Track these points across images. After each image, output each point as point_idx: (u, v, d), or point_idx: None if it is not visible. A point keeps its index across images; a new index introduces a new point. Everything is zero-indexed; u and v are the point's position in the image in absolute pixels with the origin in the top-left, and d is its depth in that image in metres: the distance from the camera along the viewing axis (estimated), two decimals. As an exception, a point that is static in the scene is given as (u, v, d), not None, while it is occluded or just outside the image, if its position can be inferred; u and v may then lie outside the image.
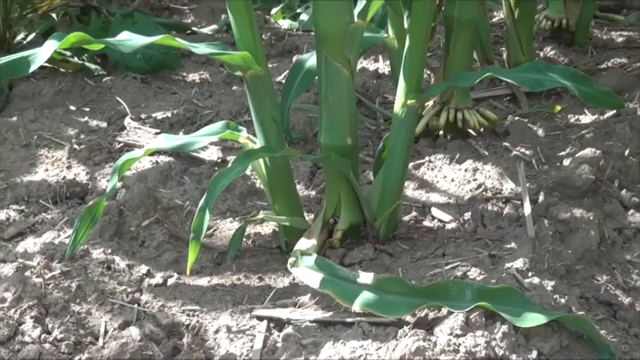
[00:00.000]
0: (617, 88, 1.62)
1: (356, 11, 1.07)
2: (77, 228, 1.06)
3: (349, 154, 1.05)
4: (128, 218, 1.20)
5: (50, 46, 1.01)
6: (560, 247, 1.09)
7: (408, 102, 1.04)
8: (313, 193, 1.32)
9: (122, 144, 1.50)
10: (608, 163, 1.31)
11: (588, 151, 1.26)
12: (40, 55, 1.01)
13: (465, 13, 1.41)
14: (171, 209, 1.24)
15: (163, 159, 1.28)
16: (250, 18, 1.03)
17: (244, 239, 1.16)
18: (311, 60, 1.32)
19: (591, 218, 1.13)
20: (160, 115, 1.65)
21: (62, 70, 1.86)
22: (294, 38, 2.11)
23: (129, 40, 1.04)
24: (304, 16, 2.18)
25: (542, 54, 1.88)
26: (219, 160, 1.39)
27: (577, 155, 1.28)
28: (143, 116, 1.65)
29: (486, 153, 1.40)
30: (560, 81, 1.07)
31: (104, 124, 1.62)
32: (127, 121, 1.61)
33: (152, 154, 1.29)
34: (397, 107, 1.09)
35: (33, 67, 1.00)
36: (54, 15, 2.05)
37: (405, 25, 1.28)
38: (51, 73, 1.85)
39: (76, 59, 1.85)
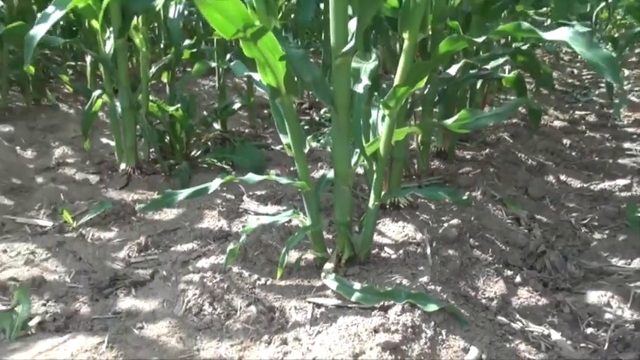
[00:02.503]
0: (469, 184, 1.95)
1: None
2: (227, 255, 1.31)
3: (349, 224, 1.34)
4: (249, 250, 1.44)
5: (217, 180, 1.29)
6: (443, 269, 1.35)
7: (375, 202, 1.34)
8: (330, 237, 1.56)
9: (243, 210, 1.79)
10: (466, 226, 1.57)
11: (455, 221, 1.56)
12: (212, 186, 1.29)
13: (398, 153, 1.70)
14: (268, 246, 1.49)
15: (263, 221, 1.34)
16: (303, 159, 1.30)
17: (301, 261, 1.41)
18: (330, 173, 1.49)
19: (457, 254, 1.40)
20: (259, 192, 1.93)
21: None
22: (319, 152, 2.34)
23: (252, 177, 1.31)
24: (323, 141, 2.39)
25: (433, 165, 2.11)
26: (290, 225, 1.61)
27: (451, 222, 1.55)
28: (251, 193, 1.91)
29: (408, 217, 1.64)
30: (442, 194, 1.36)
31: (233, 197, 1.90)
32: (245, 197, 1.90)
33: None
34: (370, 203, 1.35)
35: (210, 191, 1.28)
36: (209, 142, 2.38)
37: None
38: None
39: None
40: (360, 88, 1.24)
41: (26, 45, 0.95)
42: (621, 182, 2.07)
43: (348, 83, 1.24)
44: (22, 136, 2.43)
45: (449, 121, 1.29)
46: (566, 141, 2.60)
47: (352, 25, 1.21)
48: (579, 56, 3.29)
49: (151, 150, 2.13)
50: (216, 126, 2.59)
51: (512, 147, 2.38)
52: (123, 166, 2.10)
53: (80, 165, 2.21)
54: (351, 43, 1.18)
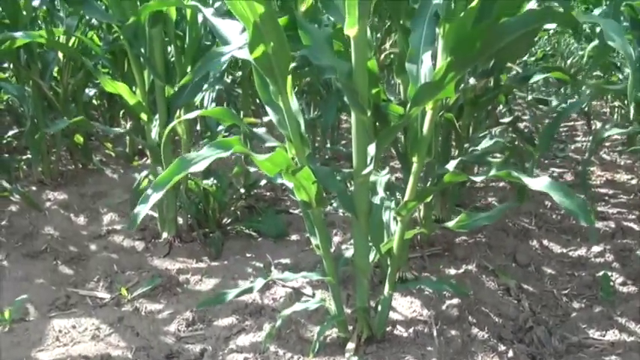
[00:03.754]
0: (464, 255, 2.01)
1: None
2: (265, 337, 1.46)
3: (367, 309, 1.43)
4: (282, 329, 1.47)
5: (260, 281, 1.47)
6: (448, 349, 1.42)
7: (389, 291, 1.44)
8: (349, 311, 1.59)
9: (272, 281, 1.80)
10: (465, 303, 1.62)
11: (456, 300, 1.63)
12: (257, 286, 1.46)
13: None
14: (298, 323, 1.58)
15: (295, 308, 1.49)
16: (330, 258, 1.41)
17: (327, 338, 1.49)
18: (347, 252, 1.62)
19: (459, 333, 1.48)
20: (284, 261, 2.02)
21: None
22: (332, 215, 2.40)
23: (288, 276, 1.50)
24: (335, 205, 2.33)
25: (433, 232, 2.10)
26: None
27: (452, 301, 1.62)
28: (276, 262, 2.01)
29: (415, 292, 1.70)
30: (446, 287, 1.50)
31: (261, 266, 1.99)
32: (273, 268, 1.98)
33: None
34: (385, 291, 1.44)
35: (254, 291, 1.46)
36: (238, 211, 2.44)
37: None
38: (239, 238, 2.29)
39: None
40: (377, 200, 1.37)
41: (132, 220, 1.09)
42: (595, 249, 2.16)
43: (367, 196, 1.36)
44: (74, 203, 2.55)
45: (450, 224, 1.41)
46: (547, 202, 2.70)
47: (371, 149, 1.34)
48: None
49: (188, 220, 2.24)
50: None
51: (501, 212, 2.49)
52: (165, 234, 2.21)
53: (127, 232, 2.32)
54: (370, 167, 1.31)
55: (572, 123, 4.76)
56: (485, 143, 2.14)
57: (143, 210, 1.09)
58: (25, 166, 2.92)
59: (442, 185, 1.25)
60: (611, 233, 2.31)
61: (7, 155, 2.97)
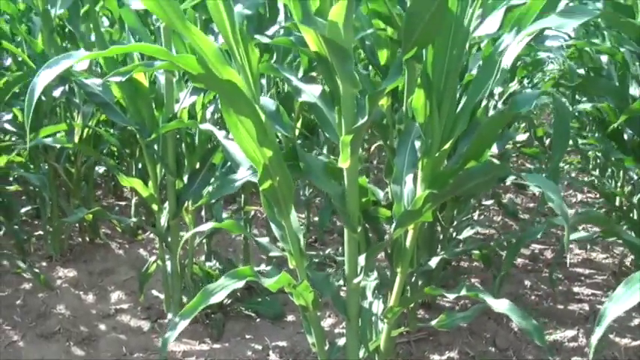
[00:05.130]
0: (448, 342, 2.13)
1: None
2: None
3: None
4: None
5: None
6: None
7: None
8: None
9: None
10: None
11: None
12: None
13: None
14: None
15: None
16: (324, 354, 1.60)
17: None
18: (339, 342, 1.66)
19: None
20: (281, 344, 2.16)
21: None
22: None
23: None
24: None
25: (419, 314, 2.30)
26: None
27: None
28: (274, 344, 2.17)
29: None
30: None
31: (260, 348, 2.13)
32: (270, 352, 2.12)
33: None
34: None
35: None
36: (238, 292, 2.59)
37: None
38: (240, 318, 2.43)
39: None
40: (366, 304, 1.56)
41: (162, 346, 1.27)
42: (569, 333, 2.34)
43: (358, 300, 1.56)
44: (83, 281, 2.73)
45: (433, 322, 1.61)
46: (527, 282, 2.89)
47: (362, 259, 1.55)
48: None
49: (192, 302, 2.41)
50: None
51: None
52: (170, 315, 2.38)
53: (133, 310, 2.48)
54: (361, 276, 1.52)
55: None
56: (467, 232, 2.35)
57: (172, 336, 1.28)
58: (34, 238, 3.09)
59: (422, 295, 1.45)
60: (585, 317, 2.49)
61: (16, 227, 3.11)
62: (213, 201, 2.38)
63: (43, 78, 0.90)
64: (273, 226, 1.53)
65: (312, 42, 1.35)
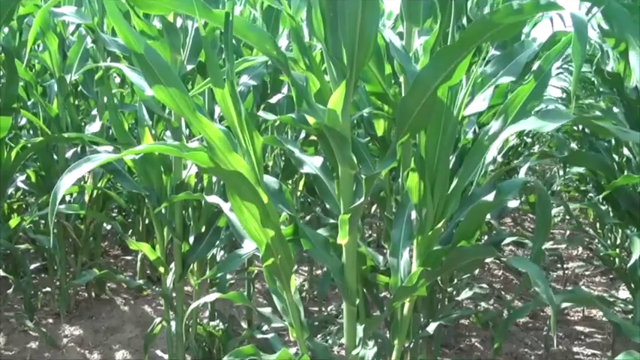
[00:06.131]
0: None
1: None
2: None
3: None
4: None
5: None
6: None
7: None
8: None
9: None
10: None
11: None
12: None
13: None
14: None
15: None
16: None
17: None
18: None
19: None
20: None
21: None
22: None
23: None
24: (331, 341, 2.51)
25: None
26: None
27: None
28: None
29: None
30: None
31: None
32: None
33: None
34: None
35: None
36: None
37: None
38: None
39: None
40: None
41: None
42: (569, 396, 2.35)
43: (357, 370, 1.61)
44: (89, 339, 2.77)
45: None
46: (527, 341, 2.91)
47: (360, 330, 1.61)
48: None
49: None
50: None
51: (482, 355, 2.70)
52: (173, 376, 2.41)
53: (137, 371, 2.51)
54: (359, 348, 1.57)
55: (555, 246, 5.02)
56: (465, 294, 2.41)
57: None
58: (41, 294, 3.15)
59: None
60: (584, 379, 2.51)
61: (23, 280, 3.15)
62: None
63: (66, 181, 0.99)
64: (274, 298, 1.60)
65: (312, 121, 1.45)
